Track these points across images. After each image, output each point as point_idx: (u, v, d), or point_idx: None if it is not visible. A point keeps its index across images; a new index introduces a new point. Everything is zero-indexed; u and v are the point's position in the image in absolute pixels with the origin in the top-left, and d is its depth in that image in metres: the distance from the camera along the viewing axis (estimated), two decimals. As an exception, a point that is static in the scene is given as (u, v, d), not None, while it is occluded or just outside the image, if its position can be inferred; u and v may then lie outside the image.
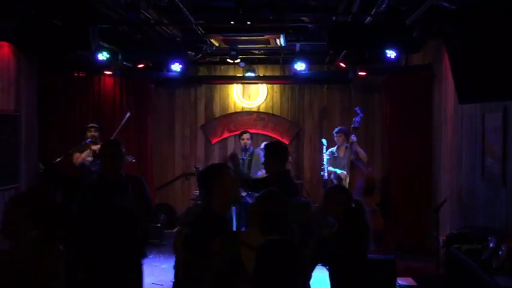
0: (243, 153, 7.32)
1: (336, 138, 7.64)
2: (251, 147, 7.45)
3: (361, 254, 3.74)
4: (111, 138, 7.19)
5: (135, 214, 3.52)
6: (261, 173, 7.21)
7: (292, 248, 2.55)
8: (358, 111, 7.45)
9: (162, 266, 6.72)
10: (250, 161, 7.26)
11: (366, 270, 3.74)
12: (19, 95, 7.11)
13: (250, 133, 7.67)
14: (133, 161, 7.26)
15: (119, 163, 4.35)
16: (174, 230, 8.71)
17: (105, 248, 3.25)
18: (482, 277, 4.05)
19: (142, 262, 3.84)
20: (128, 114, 7.63)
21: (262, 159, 7.08)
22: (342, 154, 7.52)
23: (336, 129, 7.72)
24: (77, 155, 7.18)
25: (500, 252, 4.03)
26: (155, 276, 6.18)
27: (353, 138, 7.30)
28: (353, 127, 7.37)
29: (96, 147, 7.14)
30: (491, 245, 4.20)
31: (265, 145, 5.04)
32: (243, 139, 7.46)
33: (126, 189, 4.22)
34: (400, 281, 5.83)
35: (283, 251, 2.51)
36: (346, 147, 7.45)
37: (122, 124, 7.44)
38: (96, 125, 7.42)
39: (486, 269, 4.05)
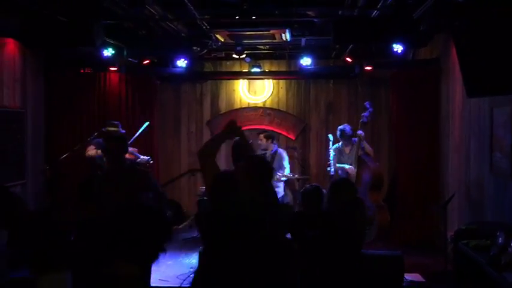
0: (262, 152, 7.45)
1: (260, 140, 7.63)
2: (275, 147, 7.62)
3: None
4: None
5: (161, 212, 3.57)
6: (282, 172, 7.23)
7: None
8: (368, 106, 7.39)
9: (168, 263, 6.71)
10: (272, 161, 7.25)
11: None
12: (25, 92, 7.13)
13: (268, 133, 7.83)
14: (151, 162, 7.22)
15: (120, 157, 4.39)
16: (180, 226, 8.72)
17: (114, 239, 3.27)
18: (491, 273, 4.00)
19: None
20: (147, 123, 7.58)
21: (284, 159, 7.30)
22: (347, 151, 7.46)
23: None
24: (91, 147, 6.95)
25: (509, 248, 3.97)
26: (161, 272, 6.17)
27: (360, 133, 7.25)
28: (361, 122, 7.32)
29: None
30: (499, 240, 4.14)
31: None
32: (258, 140, 7.62)
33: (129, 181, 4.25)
34: (408, 277, 5.80)
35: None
36: (353, 143, 7.40)
37: (139, 133, 7.38)
38: (115, 122, 7.29)
39: (494, 265, 3.99)
